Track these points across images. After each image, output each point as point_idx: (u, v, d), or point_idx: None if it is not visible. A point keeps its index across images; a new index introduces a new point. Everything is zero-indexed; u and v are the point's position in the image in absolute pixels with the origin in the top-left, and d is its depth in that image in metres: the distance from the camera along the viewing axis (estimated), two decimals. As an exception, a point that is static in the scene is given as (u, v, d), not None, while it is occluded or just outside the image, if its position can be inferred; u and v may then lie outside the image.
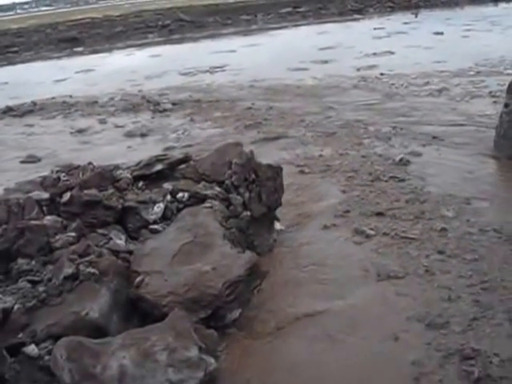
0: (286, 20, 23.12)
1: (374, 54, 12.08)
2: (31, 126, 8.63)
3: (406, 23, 18.01)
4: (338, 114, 7.48)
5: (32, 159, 6.67)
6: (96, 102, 9.76)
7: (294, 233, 4.06)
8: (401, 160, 5.34)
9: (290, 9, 24.73)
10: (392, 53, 12.05)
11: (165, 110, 8.41)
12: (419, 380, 2.37)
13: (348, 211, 4.29)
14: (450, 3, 23.98)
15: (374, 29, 17.00)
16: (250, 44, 16.44)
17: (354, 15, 22.36)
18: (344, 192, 4.68)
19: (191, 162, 4.11)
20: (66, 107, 9.59)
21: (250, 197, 3.83)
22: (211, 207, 3.58)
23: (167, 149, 6.35)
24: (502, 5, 22.02)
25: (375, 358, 2.53)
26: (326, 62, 11.78)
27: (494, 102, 7.10)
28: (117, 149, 6.80)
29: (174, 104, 8.80)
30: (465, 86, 8.27)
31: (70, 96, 10.48)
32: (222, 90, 9.88)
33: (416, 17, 20.22)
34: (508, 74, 8.55)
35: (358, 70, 10.41)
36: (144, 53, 17.54)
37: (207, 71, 12.08)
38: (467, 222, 3.93)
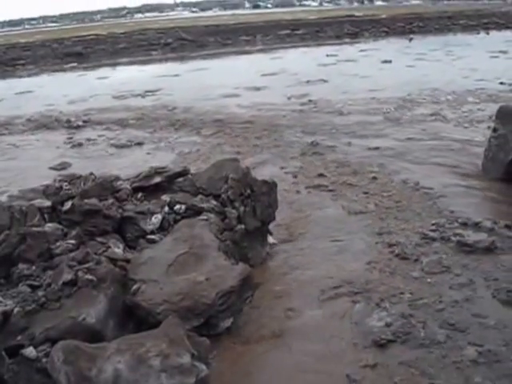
0: (284, 41, 23.66)
1: (308, 81, 12.16)
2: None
3: (362, 50, 18.17)
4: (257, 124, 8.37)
5: (61, 166, 6.84)
6: (9, 123, 9.85)
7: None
8: (312, 142, 6.98)
9: (288, 31, 25.35)
10: (326, 81, 12.14)
11: (78, 127, 9.30)
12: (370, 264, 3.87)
13: (296, 176, 5.83)
14: (443, 29, 24.74)
15: (327, 55, 17.05)
16: (198, 68, 16.32)
17: (345, 39, 22.84)
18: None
19: (189, 176, 4.24)
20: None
21: (245, 211, 3.95)
22: (207, 220, 3.69)
23: (181, 154, 7.05)
24: (493, 32, 22.72)
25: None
26: (259, 89, 11.73)
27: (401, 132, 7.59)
28: (139, 155, 7.25)
29: (84, 122, 9.49)
30: (388, 116, 8.46)
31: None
32: (142, 111, 10.17)
33: (410, 41, 20.90)
34: (428, 104, 9.08)
35: (289, 98, 10.43)
36: (96, 73, 17.35)
37: (139, 95, 12.16)
38: (389, 176, 5.65)
